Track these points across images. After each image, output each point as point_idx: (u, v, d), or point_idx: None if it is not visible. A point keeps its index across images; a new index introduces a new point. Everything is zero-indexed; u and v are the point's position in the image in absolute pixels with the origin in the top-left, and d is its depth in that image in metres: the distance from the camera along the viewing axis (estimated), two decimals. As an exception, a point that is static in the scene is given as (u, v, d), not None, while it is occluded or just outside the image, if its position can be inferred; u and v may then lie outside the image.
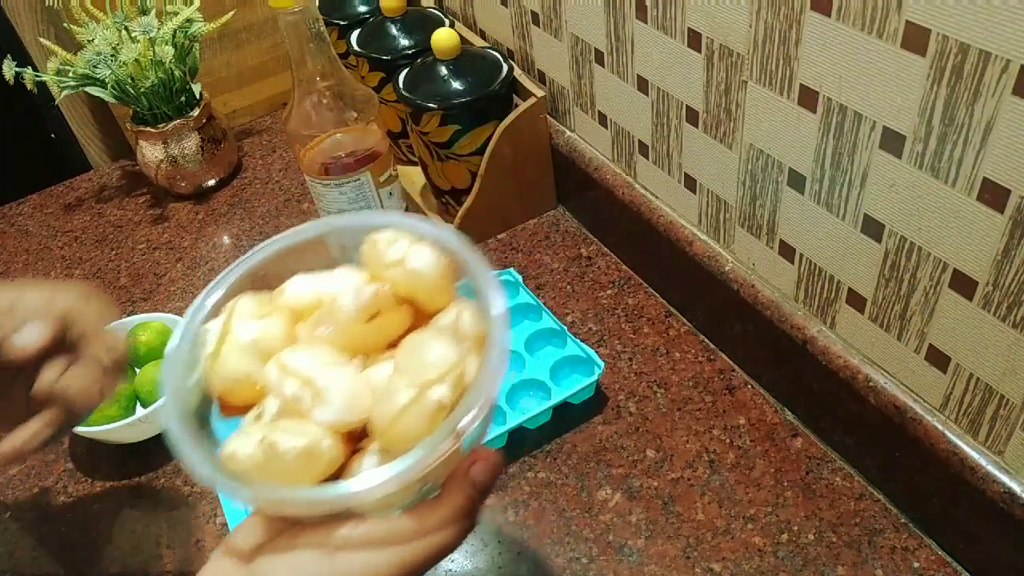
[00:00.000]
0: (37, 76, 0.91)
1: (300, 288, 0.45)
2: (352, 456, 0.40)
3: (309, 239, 0.47)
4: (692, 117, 0.66)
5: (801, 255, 0.62)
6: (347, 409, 0.40)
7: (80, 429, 0.68)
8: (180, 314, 0.87)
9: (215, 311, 0.44)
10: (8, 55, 0.93)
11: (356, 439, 0.41)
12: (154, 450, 0.74)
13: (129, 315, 0.88)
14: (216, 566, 0.40)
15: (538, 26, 0.82)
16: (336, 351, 0.42)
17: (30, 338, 0.46)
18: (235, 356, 0.42)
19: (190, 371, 0.42)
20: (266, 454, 0.38)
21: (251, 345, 0.42)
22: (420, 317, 0.43)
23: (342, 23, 0.94)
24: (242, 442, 0.39)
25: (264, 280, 0.46)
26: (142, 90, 0.93)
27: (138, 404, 0.74)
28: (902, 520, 0.61)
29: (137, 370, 0.75)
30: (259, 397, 0.41)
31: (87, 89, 0.94)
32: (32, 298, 0.48)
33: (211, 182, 1.03)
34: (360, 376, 0.41)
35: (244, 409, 0.42)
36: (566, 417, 0.70)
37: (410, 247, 0.43)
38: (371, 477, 0.37)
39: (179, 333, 0.43)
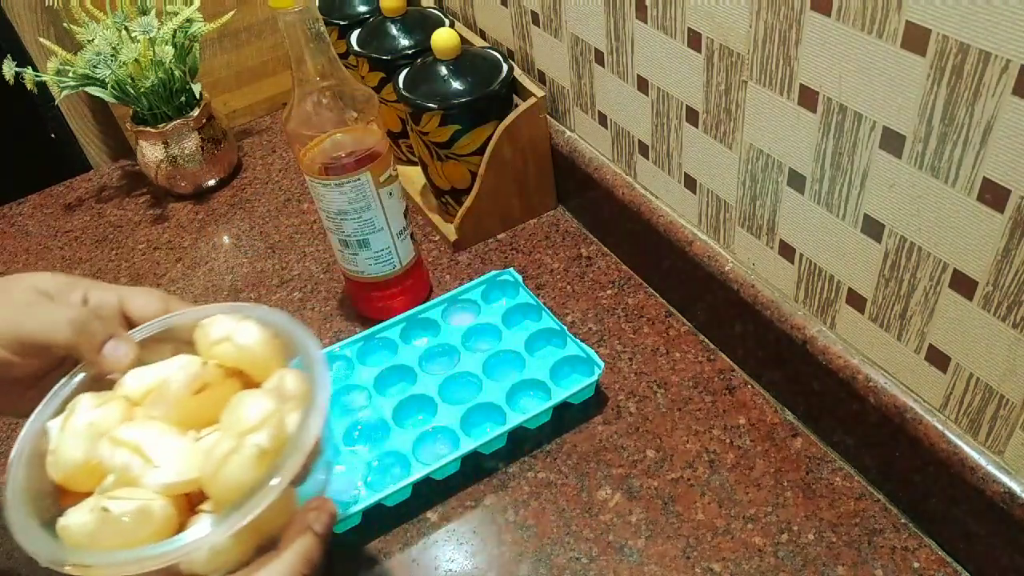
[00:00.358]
0: (37, 76, 0.91)
1: (138, 377, 0.47)
2: (190, 517, 0.42)
3: (151, 336, 0.49)
4: (692, 117, 0.66)
5: (801, 255, 0.62)
6: (176, 471, 0.42)
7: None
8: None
9: (61, 408, 0.46)
10: (8, 55, 0.93)
11: (194, 503, 0.43)
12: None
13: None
14: None
15: (538, 26, 0.82)
16: (167, 425, 0.44)
17: (125, 356, 0.48)
18: (72, 441, 0.43)
19: (36, 468, 0.44)
20: (100, 520, 0.40)
21: (87, 428, 0.44)
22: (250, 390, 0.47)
23: (342, 23, 0.94)
24: (77, 513, 0.41)
25: (110, 382, 0.48)
26: (142, 90, 0.93)
27: None
28: (902, 520, 0.61)
29: None
30: (100, 482, 0.43)
31: (87, 89, 0.94)
32: (113, 302, 0.51)
33: (211, 182, 1.03)
34: (189, 441, 0.44)
35: (87, 496, 0.43)
36: (566, 417, 0.70)
37: (236, 325, 0.46)
38: (199, 529, 0.39)
39: (23, 431, 0.45)
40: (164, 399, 0.45)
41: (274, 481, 0.41)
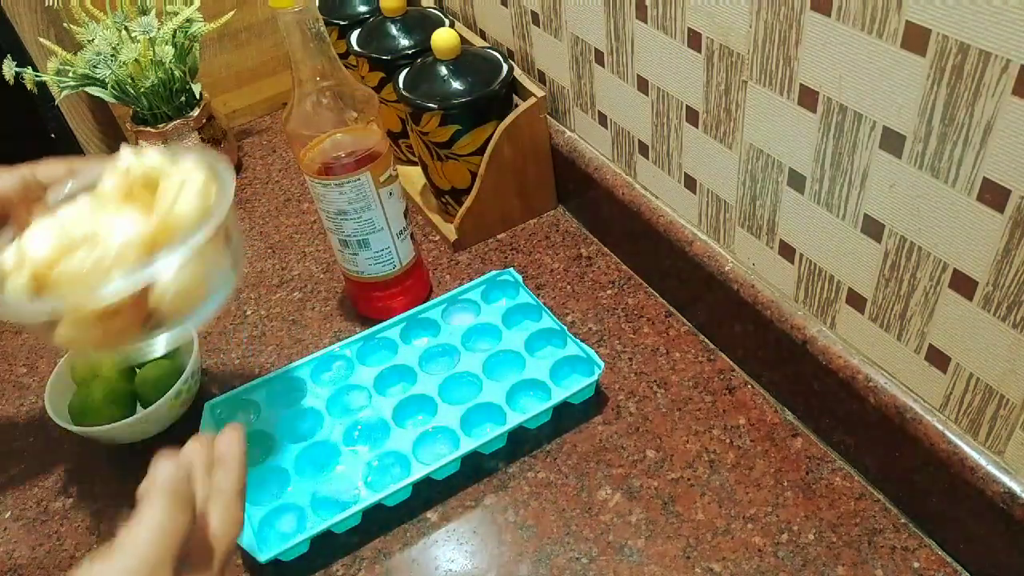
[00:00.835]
0: (37, 76, 0.91)
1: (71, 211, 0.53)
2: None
3: (70, 193, 0.56)
4: (692, 117, 0.66)
5: (801, 255, 0.62)
6: (134, 227, 0.50)
7: (80, 429, 0.68)
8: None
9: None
10: (8, 55, 0.93)
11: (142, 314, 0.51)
12: (154, 450, 0.73)
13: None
14: None
15: (538, 26, 0.82)
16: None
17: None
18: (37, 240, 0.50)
19: None
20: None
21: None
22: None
23: (342, 23, 0.94)
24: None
25: None
26: (142, 90, 0.93)
27: (138, 404, 0.74)
28: (902, 520, 0.61)
29: (137, 370, 0.75)
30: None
31: (87, 89, 0.94)
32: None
33: (211, 182, 1.03)
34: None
35: None
36: (566, 417, 0.70)
37: (138, 157, 0.53)
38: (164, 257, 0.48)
39: None
40: (100, 201, 0.52)
41: (219, 210, 0.49)
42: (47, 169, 0.58)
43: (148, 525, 0.44)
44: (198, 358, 0.73)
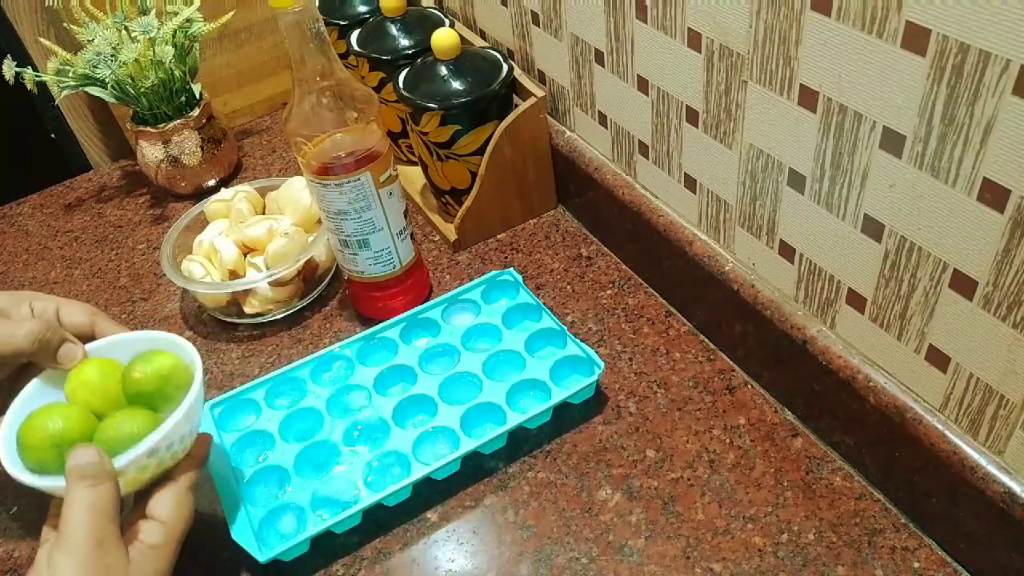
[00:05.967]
0: (37, 76, 0.91)
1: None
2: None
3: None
4: (692, 117, 0.66)
5: (801, 255, 0.62)
6: None
7: (8, 467, 0.54)
8: (176, 320, 0.87)
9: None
10: (8, 55, 0.93)
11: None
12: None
13: (129, 313, 0.88)
14: None
15: (538, 26, 0.82)
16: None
17: (77, 359, 0.59)
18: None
19: None
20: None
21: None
22: None
23: (342, 23, 0.94)
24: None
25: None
26: (142, 90, 0.93)
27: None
28: (902, 520, 0.61)
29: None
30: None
31: (87, 89, 0.94)
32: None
33: (211, 182, 1.03)
34: None
35: None
36: (566, 417, 0.70)
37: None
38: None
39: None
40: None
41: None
42: (71, 310, 0.62)
43: (75, 508, 0.50)
44: (196, 416, 0.58)
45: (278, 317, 0.84)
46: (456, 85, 0.80)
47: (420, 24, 0.88)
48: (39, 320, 0.58)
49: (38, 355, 0.57)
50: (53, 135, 1.11)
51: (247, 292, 0.82)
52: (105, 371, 0.58)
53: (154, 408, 0.57)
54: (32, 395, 0.58)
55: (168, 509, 0.55)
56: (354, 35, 0.90)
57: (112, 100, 0.95)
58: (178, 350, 0.60)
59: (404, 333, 0.76)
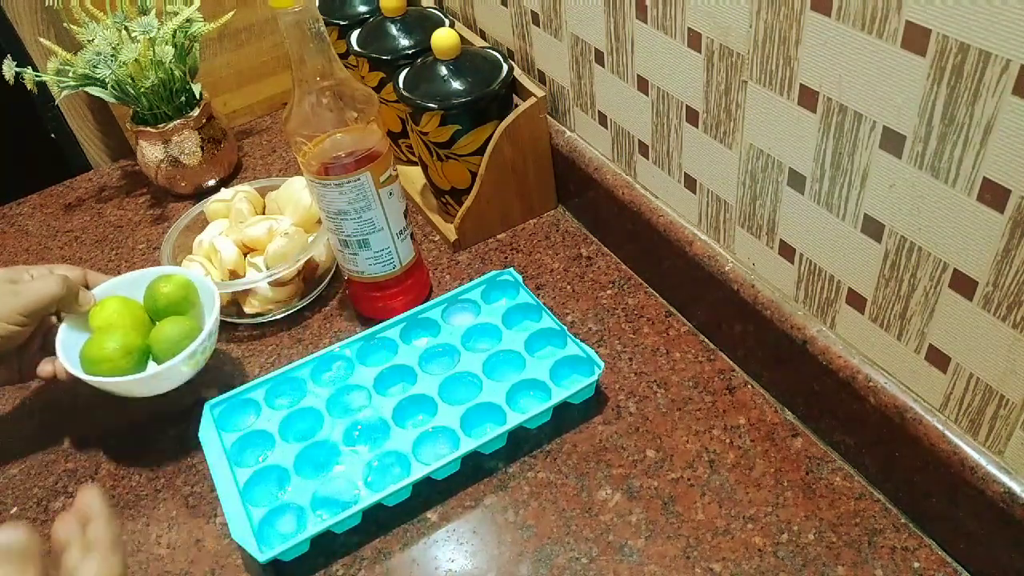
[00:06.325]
0: (37, 76, 0.91)
1: None
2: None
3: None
4: (692, 117, 0.66)
5: (801, 255, 0.62)
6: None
7: (90, 378, 0.68)
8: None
9: None
10: (8, 55, 0.93)
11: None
12: (154, 450, 0.74)
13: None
14: None
15: (538, 26, 0.82)
16: None
17: (92, 301, 0.72)
18: None
19: None
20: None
21: None
22: None
23: (342, 23, 0.94)
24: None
25: None
26: (142, 90, 0.93)
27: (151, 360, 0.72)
28: (902, 520, 0.61)
29: (155, 322, 0.73)
30: None
31: (87, 89, 0.94)
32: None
33: (211, 182, 1.03)
34: None
35: None
36: (566, 417, 0.70)
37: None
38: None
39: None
40: None
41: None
42: (64, 269, 0.73)
43: None
44: (217, 318, 0.72)
45: (278, 317, 0.84)
46: (456, 85, 0.80)
47: (420, 24, 0.88)
48: (57, 272, 0.70)
49: (66, 299, 0.69)
50: (53, 135, 1.11)
51: (247, 292, 0.82)
52: (122, 302, 0.73)
53: (181, 314, 0.73)
54: (67, 335, 0.71)
55: (98, 572, 0.50)
56: (354, 35, 0.90)
57: (112, 100, 0.95)
58: (175, 272, 0.75)
59: (404, 333, 0.76)
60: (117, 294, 0.74)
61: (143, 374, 0.69)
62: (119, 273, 0.94)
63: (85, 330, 0.72)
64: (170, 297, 0.73)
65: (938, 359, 0.54)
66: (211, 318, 0.72)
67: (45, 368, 0.71)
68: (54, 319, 0.73)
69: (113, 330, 0.70)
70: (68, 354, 0.69)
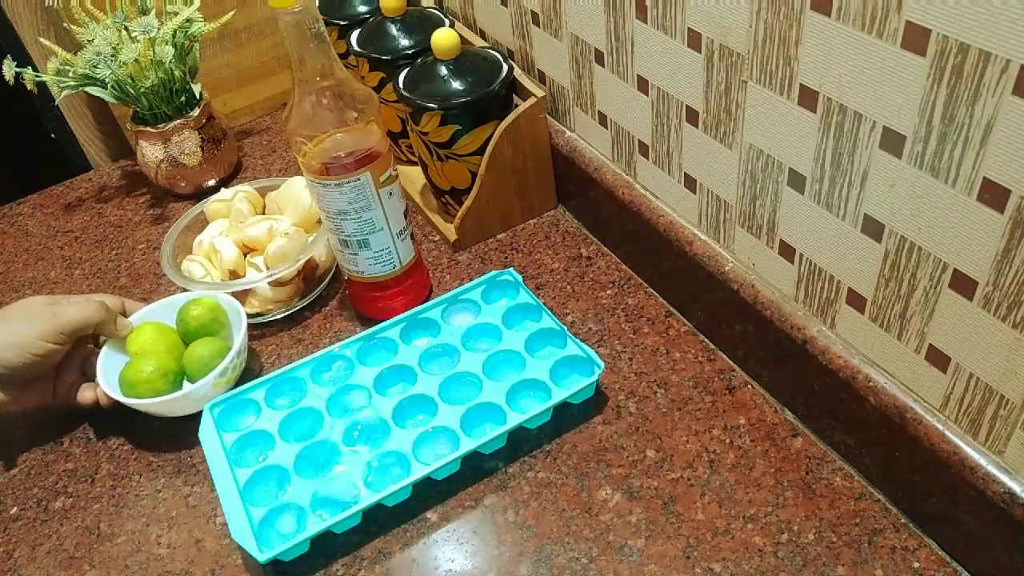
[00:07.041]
0: (37, 76, 0.91)
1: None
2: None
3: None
4: (692, 117, 0.66)
5: (801, 255, 0.62)
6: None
7: (129, 401, 0.71)
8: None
9: None
10: (8, 55, 0.93)
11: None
12: (154, 450, 0.74)
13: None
14: None
15: (538, 26, 0.82)
16: None
17: (130, 328, 0.76)
18: None
19: None
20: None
21: None
22: None
23: (342, 23, 0.94)
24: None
25: None
26: (142, 90, 0.93)
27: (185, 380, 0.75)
28: (902, 520, 0.61)
29: (187, 344, 0.76)
30: None
31: (87, 89, 0.94)
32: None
33: (211, 182, 1.03)
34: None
35: None
36: (566, 417, 0.70)
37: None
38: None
39: None
40: None
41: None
42: (100, 297, 0.75)
43: None
44: (245, 336, 0.75)
45: (278, 317, 0.84)
46: (456, 85, 0.80)
47: (420, 24, 0.88)
48: (94, 299, 0.73)
49: (104, 324, 0.72)
50: (53, 135, 1.11)
51: (247, 292, 0.82)
52: (156, 328, 0.76)
53: (211, 334, 0.76)
54: (106, 362, 0.74)
55: None
56: (354, 35, 0.90)
57: (112, 100, 0.95)
58: (204, 295, 0.78)
59: (404, 333, 0.76)
60: (151, 320, 0.77)
61: (178, 393, 0.73)
62: (119, 274, 0.94)
63: (123, 356, 0.75)
64: (200, 319, 0.76)
65: (938, 359, 0.54)
66: (239, 336, 0.74)
67: (86, 394, 0.74)
68: (91, 346, 0.77)
69: (149, 355, 0.74)
70: (108, 379, 0.73)
